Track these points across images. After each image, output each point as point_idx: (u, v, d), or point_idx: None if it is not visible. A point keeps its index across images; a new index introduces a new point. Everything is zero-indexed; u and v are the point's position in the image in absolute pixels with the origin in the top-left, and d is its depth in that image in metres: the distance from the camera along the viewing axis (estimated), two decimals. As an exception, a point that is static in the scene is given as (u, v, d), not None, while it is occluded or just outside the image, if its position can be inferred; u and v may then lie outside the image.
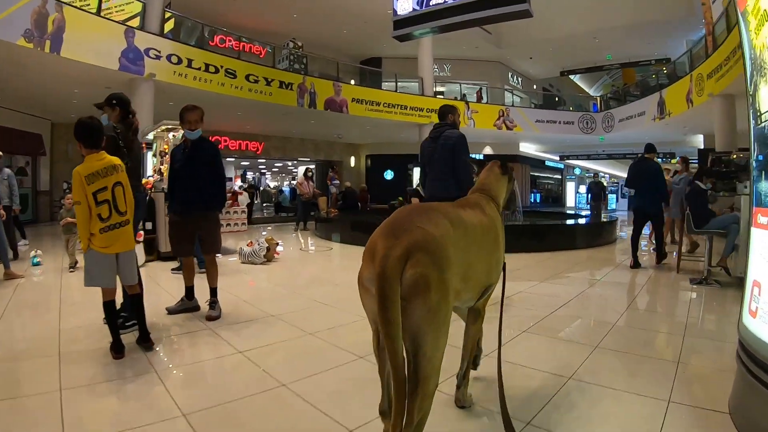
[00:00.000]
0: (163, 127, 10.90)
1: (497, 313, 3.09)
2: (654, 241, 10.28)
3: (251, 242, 9.59)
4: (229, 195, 10.84)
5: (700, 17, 21.00)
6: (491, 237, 2.83)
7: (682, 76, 19.83)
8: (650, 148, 9.30)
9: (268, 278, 8.23)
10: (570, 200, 36.90)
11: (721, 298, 6.65)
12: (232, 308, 5.84)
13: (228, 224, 10.84)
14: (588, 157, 32.63)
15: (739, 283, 6.76)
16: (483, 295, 2.95)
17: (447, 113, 6.29)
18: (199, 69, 15.91)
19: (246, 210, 16.52)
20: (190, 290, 5.78)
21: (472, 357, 3.19)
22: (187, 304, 5.73)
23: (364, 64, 25.84)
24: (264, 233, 14.29)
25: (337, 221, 14.90)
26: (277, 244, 9.76)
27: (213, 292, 5.65)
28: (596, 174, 23.01)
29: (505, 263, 3.07)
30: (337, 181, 20.73)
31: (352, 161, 30.80)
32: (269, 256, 9.41)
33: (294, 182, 28.32)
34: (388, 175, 29.92)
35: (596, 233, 12.28)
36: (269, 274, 8.51)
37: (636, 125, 23.73)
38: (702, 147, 23.66)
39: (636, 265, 8.76)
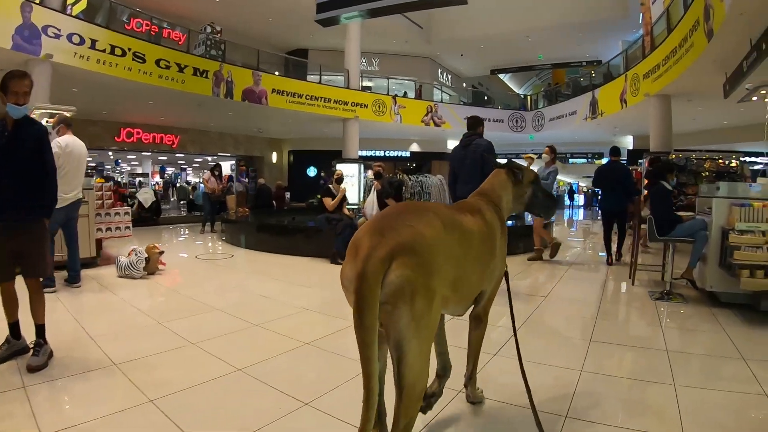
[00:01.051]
0: (38, 112, 8.99)
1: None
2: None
3: (132, 251, 7.70)
4: (110, 191, 9.00)
5: (634, 19, 20.87)
6: (488, 246, 2.66)
7: (616, 77, 19.55)
8: (615, 151, 9.69)
9: (135, 300, 6.17)
10: None
11: (696, 319, 5.55)
12: (69, 349, 4.20)
13: (108, 228, 8.84)
14: (517, 156, 31.36)
15: (709, 297, 5.79)
16: (479, 302, 2.84)
17: (477, 124, 6.99)
18: (103, 51, 13.92)
19: (132, 211, 14.42)
20: (14, 327, 4.10)
21: (477, 357, 3.10)
22: (16, 346, 4.06)
23: (290, 55, 24.37)
24: (143, 244, 12.66)
25: (245, 223, 13.29)
26: (161, 252, 7.92)
27: (39, 331, 4.01)
28: None
29: (507, 270, 2.97)
30: (245, 179, 19.05)
31: (274, 157, 29.14)
32: (150, 268, 7.64)
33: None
34: (312, 171, 28.49)
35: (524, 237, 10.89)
36: (139, 295, 6.57)
37: (567, 124, 23.34)
38: (631, 148, 24.03)
39: (612, 262, 9.03)
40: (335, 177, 9.51)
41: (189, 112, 20.44)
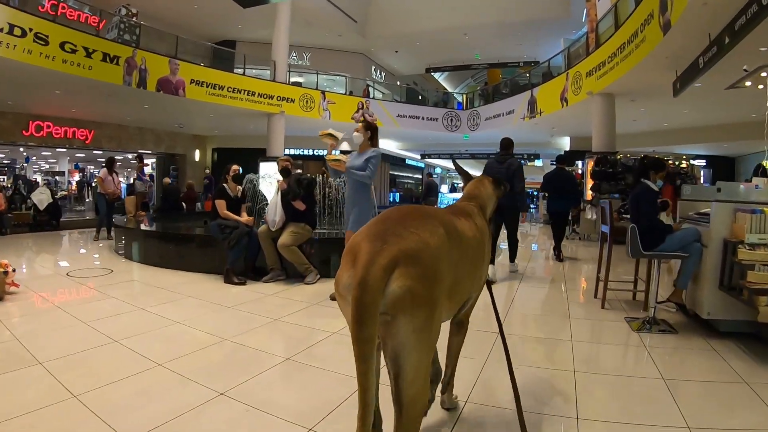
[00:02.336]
0: None
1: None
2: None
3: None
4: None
5: (576, 19, 20.65)
6: (480, 251, 2.57)
7: (556, 76, 18.76)
8: (561, 158, 10.63)
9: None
10: None
11: (696, 358, 4.16)
12: None
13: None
14: (450, 156, 30.50)
15: (702, 324, 4.83)
16: (464, 307, 2.70)
17: (510, 146, 8.40)
18: (0, 31, 11.87)
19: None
20: None
21: (456, 363, 2.99)
22: None
23: (218, 46, 22.19)
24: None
25: (133, 229, 10.24)
26: (12, 271, 5.88)
27: None
28: (430, 174, 21.22)
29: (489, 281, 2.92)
30: (146, 177, 16.89)
31: (197, 155, 26.93)
32: (-2, 291, 5.64)
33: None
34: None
35: None
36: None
37: (503, 124, 22.35)
38: (568, 149, 23.29)
39: (562, 259, 9.61)
40: (231, 174, 7.56)
41: (101, 104, 18.16)
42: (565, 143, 24.25)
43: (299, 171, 7.56)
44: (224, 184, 7.41)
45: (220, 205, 7.19)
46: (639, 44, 11.84)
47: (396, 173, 34.50)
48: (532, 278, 8.03)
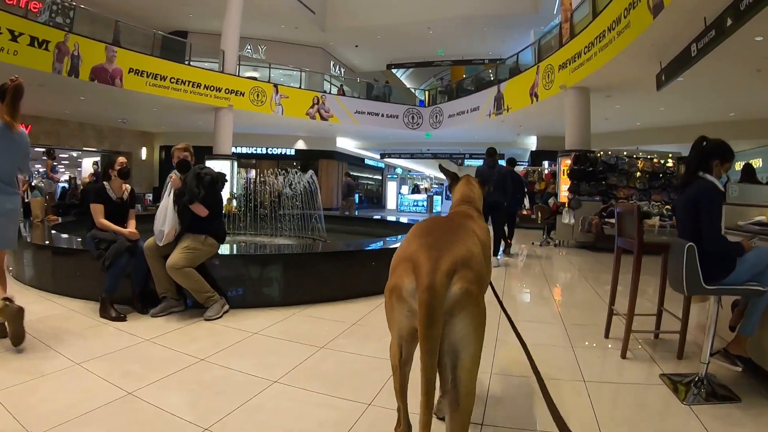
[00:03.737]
0: None
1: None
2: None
3: None
4: None
5: (545, 14, 19.86)
6: (488, 252, 2.53)
7: (525, 71, 17.50)
8: (512, 161, 10.68)
9: None
10: (391, 202, 33.17)
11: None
12: None
13: None
14: (411, 156, 29.69)
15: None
16: None
17: (495, 153, 9.13)
18: None
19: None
20: None
21: None
22: None
23: (171, 39, 20.22)
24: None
25: (48, 240, 6.92)
26: None
27: None
28: (348, 174, 19.61)
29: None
30: (56, 177, 14.71)
31: (144, 153, 24.91)
32: None
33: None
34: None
35: None
36: None
37: (467, 121, 21.04)
38: (534, 148, 22.56)
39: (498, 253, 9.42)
40: (116, 169, 5.15)
41: (34, 95, 15.84)
42: (531, 143, 23.24)
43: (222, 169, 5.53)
44: (105, 183, 5.10)
45: (96, 210, 4.93)
46: (622, 31, 10.79)
47: (354, 174, 32.10)
48: (518, 295, 6.67)
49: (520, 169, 19.34)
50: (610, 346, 4.23)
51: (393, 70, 31.08)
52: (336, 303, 5.41)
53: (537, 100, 15.97)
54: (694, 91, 12.85)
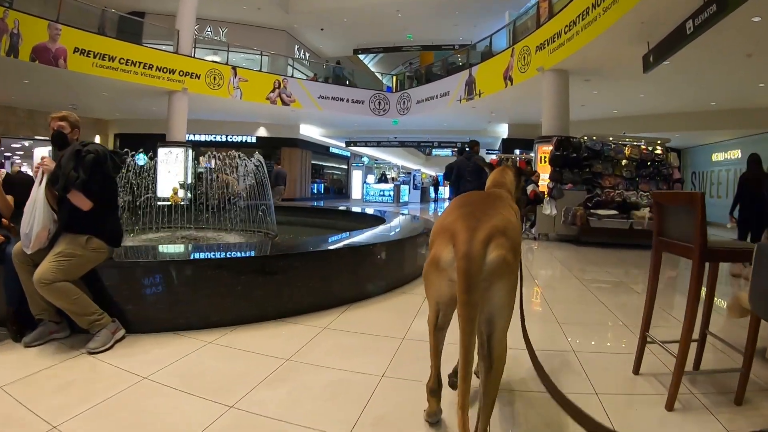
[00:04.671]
0: None
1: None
2: None
3: None
4: None
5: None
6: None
7: (498, 54, 16.58)
8: (462, 150, 10.78)
9: None
10: (356, 192, 31.32)
11: None
12: None
13: None
14: (378, 144, 28.30)
15: None
16: None
17: (475, 145, 9.60)
18: None
19: None
20: None
21: None
22: None
23: (126, 19, 18.54)
24: None
25: None
26: None
27: None
28: (278, 162, 18.34)
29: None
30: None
31: (98, 141, 22.85)
32: None
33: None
34: (141, 159, 22.58)
35: (397, 257, 5.69)
36: None
37: (437, 107, 19.88)
38: (506, 136, 22.09)
39: None
40: None
41: None
42: (503, 131, 22.27)
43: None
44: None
45: None
46: (609, 6, 9.94)
47: (319, 163, 31.49)
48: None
49: (493, 156, 18.86)
50: (645, 390, 3.08)
51: (360, 56, 29.69)
52: (268, 324, 4.00)
53: (511, 84, 15.00)
54: (678, 78, 12.25)
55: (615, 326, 4.34)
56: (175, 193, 12.88)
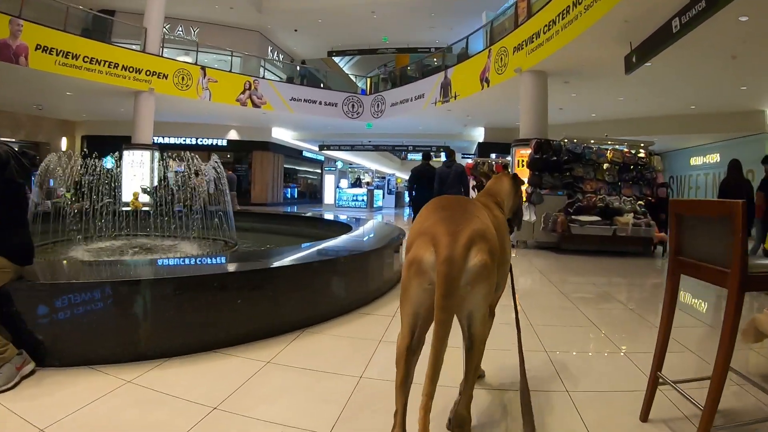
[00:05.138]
0: None
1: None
2: None
3: None
4: None
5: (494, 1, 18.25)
6: (500, 239, 2.41)
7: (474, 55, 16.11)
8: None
9: None
10: (329, 197, 30.08)
11: None
12: None
13: None
14: (351, 148, 27.57)
15: None
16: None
17: (453, 153, 10.42)
18: None
19: None
20: None
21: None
22: None
23: (98, 18, 17.93)
24: None
25: None
26: None
27: None
28: (230, 168, 17.59)
29: (511, 266, 2.90)
30: None
31: (64, 143, 22.19)
32: None
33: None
34: (109, 162, 21.65)
35: (364, 268, 5.02)
36: None
37: (412, 110, 19.29)
38: (482, 140, 21.32)
39: None
40: None
41: None
42: (478, 134, 21.76)
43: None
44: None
45: None
46: (591, 5, 9.48)
47: (292, 167, 30.53)
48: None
49: (469, 161, 18.44)
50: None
51: (335, 58, 28.95)
52: (203, 357, 3.26)
53: (488, 86, 14.50)
54: (659, 80, 11.90)
55: (613, 356, 3.71)
56: (136, 198, 12.19)
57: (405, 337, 2.02)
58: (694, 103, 14.35)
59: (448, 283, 1.82)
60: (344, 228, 7.73)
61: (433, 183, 10.00)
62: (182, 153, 10.46)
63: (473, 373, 2.20)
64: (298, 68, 23.94)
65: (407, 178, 36.45)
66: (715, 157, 17.15)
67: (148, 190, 12.77)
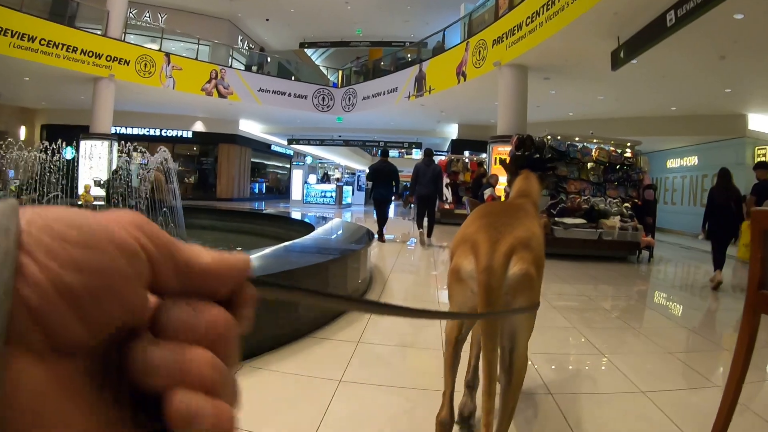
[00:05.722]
0: None
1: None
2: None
3: None
4: None
5: None
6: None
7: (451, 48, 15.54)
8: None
9: None
10: (297, 193, 27.37)
11: None
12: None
13: None
14: (321, 143, 26.61)
15: None
16: None
17: (432, 153, 10.49)
18: None
19: None
20: None
21: None
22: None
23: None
24: None
25: None
26: None
27: None
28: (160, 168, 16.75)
29: None
30: None
31: (23, 132, 20.81)
32: None
33: None
34: (70, 153, 20.57)
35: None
36: None
37: (384, 104, 18.57)
38: (455, 137, 20.91)
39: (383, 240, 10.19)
40: None
41: None
42: (452, 131, 21.26)
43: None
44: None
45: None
46: None
47: (261, 161, 29.63)
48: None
49: (442, 158, 18.11)
50: None
51: (307, 51, 28.11)
52: None
53: (464, 80, 13.93)
54: (642, 79, 11.57)
55: (629, 394, 2.98)
56: (87, 191, 11.30)
57: (453, 328, 2.02)
58: (675, 104, 14.01)
59: (489, 293, 1.75)
60: (306, 228, 6.93)
61: (390, 180, 10.35)
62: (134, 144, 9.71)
63: (509, 416, 1.95)
64: (268, 59, 23.02)
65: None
66: (693, 160, 16.87)
67: (102, 182, 11.91)
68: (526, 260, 1.79)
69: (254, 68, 21.05)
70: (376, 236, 8.76)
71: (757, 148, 14.29)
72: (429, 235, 10.34)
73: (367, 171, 11.91)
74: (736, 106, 13.46)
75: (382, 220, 10.51)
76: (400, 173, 10.86)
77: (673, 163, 18.19)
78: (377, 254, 7.87)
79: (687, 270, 9.41)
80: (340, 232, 6.77)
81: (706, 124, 14.79)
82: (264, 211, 11.96)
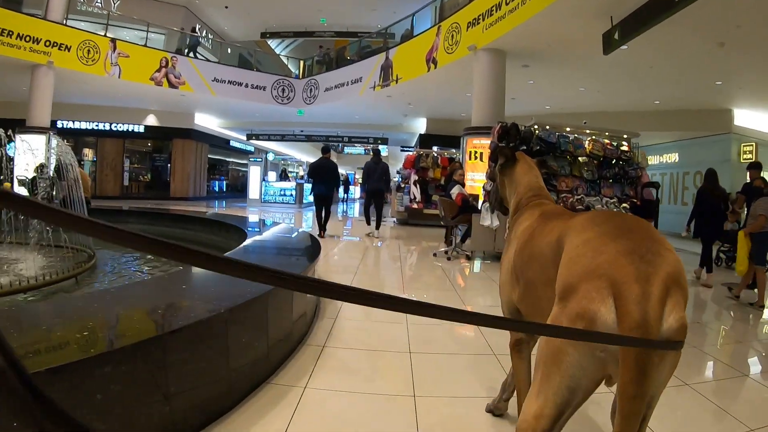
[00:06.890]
0: None
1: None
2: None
3: None
4: None
5: None
6: None
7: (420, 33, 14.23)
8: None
9: None
10: (254, 191, 26.74)
11: None
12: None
13: None
14: (282, 138, 25.05)
15: None
16: None
17: (379, 153, 11.47)
18: None
19: None
20: None
21: None
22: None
23: None
24: None
25: None
26: None
27: None
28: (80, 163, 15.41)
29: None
30: None
31: None
32: None
33: None
34: (11, 149, 18.82)
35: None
36: None
37: (348, 95, 17.19)
38: (424, 131, 19.94)
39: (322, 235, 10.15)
40: None
41: None
42: (419, 126, 20.16)
43: None
44: None
45: None
46: None
47: (218, 158, 27.99)
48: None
49: (410, 153, 17.37)
50: None
51: (269, 41, 26.38)
52: None
53: (435, 68, 12.66)
54: (629, 68, 10.76)
55: None
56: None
57: (545, 416, 1.28)
58: (659, 98, 13.05)
59: (645, 361, 1.15)
60: (238, 234, 5.56)
61: (331, 178, 10.76)
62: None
63: None
64: (228, 50, 21.42)
65: (344, 172, 34.94)
66: (673, 157, 15.97)
67: (26, 181, 10.44)
68: (681, 305, 1.21)
69: (222, 60, 19.53)
70: (317, 236, 9.03)
71: (743, 144, 13.43)
72: (377, 227, 10.92)
73: (308, 169, 11.92)
74: (724, 100, 12.60)
75: (326, 217, 10.69)
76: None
77: (652, 160, 17.03)
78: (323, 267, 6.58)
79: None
80: (282, 245, 5.37)
81: (690, 120, 13.95)
82: (194, 215, 9.79)
